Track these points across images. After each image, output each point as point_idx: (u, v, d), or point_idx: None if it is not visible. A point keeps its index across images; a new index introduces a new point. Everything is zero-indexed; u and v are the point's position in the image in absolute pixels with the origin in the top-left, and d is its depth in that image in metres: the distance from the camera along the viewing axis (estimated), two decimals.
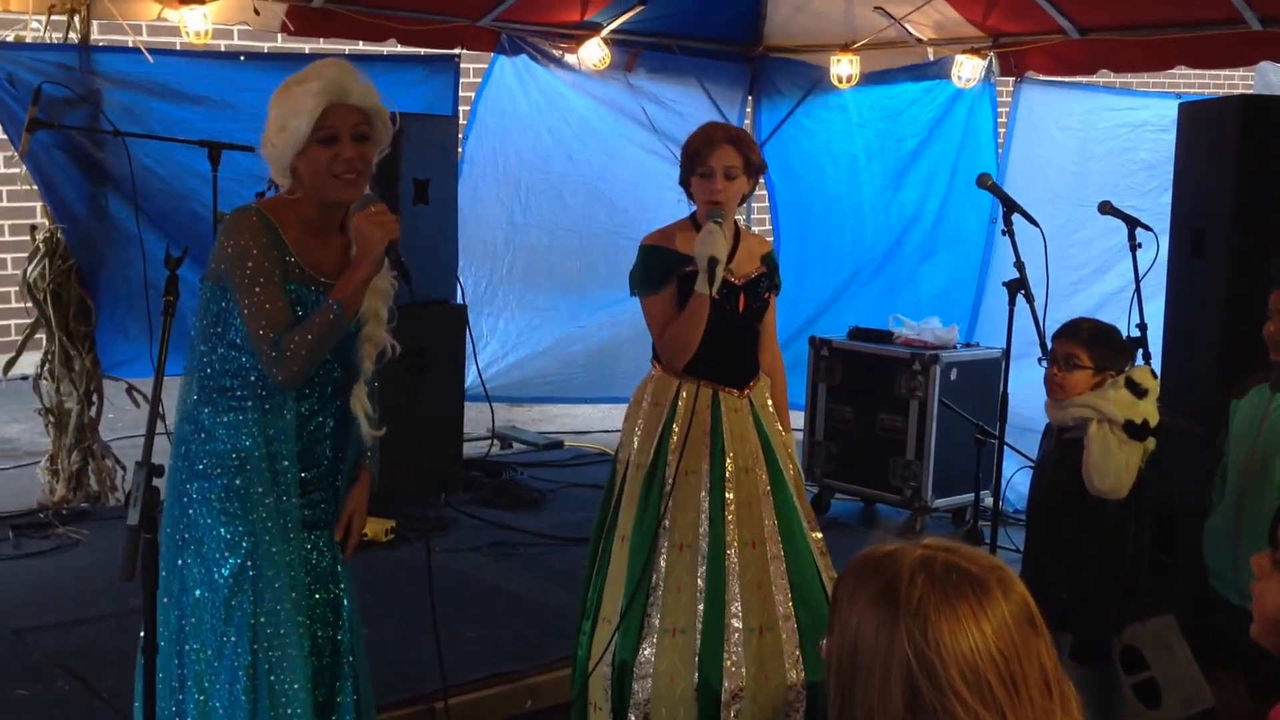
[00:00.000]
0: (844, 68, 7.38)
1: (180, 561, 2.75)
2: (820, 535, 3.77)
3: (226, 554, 2.72)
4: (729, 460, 3.62)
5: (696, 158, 3.58)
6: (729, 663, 3.52)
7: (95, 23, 6.02)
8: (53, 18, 5.89)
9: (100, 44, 6.15)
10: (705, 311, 3.54)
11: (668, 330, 3.60)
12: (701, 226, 3.57)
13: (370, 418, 2.85)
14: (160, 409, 2.69)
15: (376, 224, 2.70)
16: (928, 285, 7.39)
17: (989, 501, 5.40)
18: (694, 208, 3.68)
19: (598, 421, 8.25)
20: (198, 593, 2.72)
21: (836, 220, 7.88)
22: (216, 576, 2.72)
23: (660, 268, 3.61)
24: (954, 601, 1.34)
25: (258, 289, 2.68)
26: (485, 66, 7.33)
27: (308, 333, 2.67)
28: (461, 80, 7.12)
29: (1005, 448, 4.79)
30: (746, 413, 3.69)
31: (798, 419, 6.84)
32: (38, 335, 6.00)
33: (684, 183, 3.66)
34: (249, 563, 2.72)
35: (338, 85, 2.73)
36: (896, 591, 1.36)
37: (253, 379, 2.76)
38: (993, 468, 5.02)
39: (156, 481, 2.40)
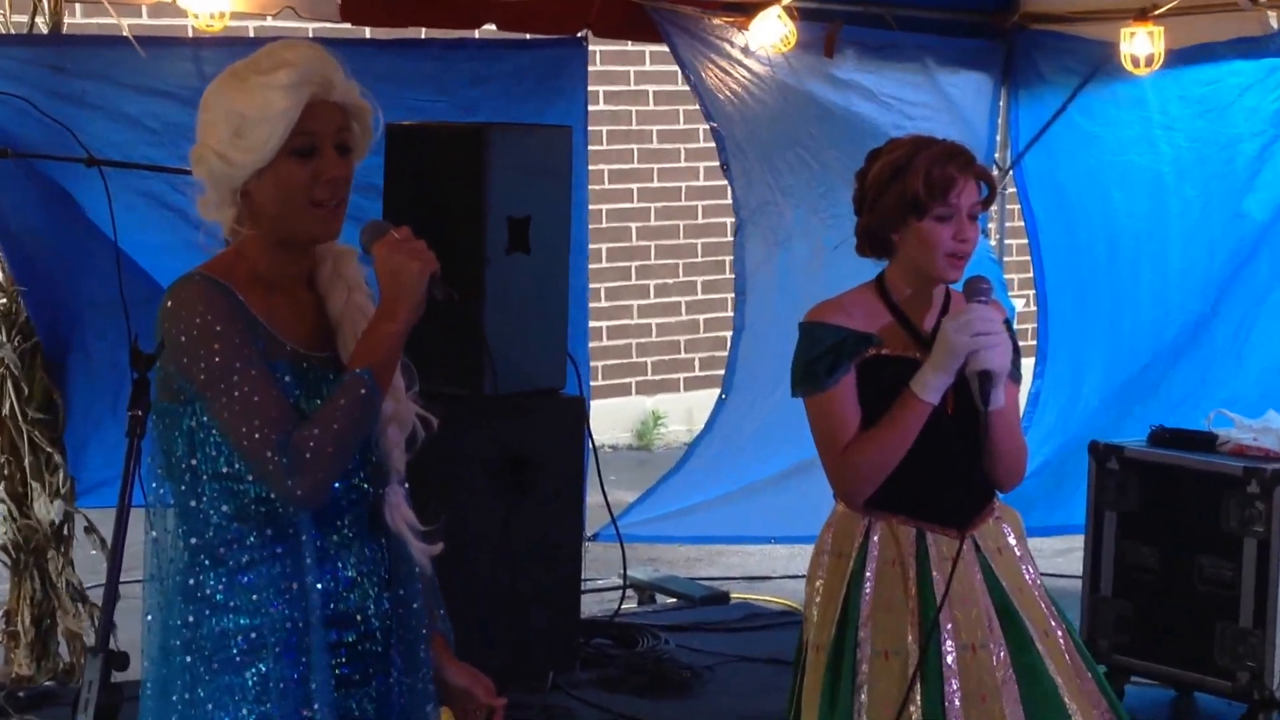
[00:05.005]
0: (1140, 44, 7.22)
1: None
2: None
3: None
4: (947, 635, 3.60)
5: (931, 193, 3.59)
6: None
7: (75, 5, 6.23)
8: None
9: (78, 33, 6.33)
10: (920, 425, 3.58)
11: (851, 447, 3.65)
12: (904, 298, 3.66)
13: (417, 529, 2.85)
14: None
15: (410, 253, 2.73)
16: (1267, 363, 7.23)
17: None
18: (881, 265, 3.74)
19: (782, 562, 8.17)
20: None
21: (1129, 268, 7.77)
22: None
23: (830, 352, 3.65)
24: None
25: (235, 377, 2.67)
26: (623, 48, 7.35)
27: (331, 420, 2.67)
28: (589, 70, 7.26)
29: None
30: (972, 562, 3.68)
31: (1074, 559, 6.73)
32: None
33: (884, 229, 3.69)
34: None
35: (319, 74, 2.73)
36: None
37: (263, 512, 2.76)
38: None
39: (118, 676, 2.46)
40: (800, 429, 7.19)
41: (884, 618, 3.61)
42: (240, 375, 2.67)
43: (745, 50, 7.31)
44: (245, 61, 2.77)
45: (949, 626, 3.60)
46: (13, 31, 6.11)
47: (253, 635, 2.73)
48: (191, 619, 2.74)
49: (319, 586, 2.75)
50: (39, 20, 6.10)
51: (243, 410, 2.67)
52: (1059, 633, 3.73)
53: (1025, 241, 8.22)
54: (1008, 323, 3.80)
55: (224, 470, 2.74)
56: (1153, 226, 7.67)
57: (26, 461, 6.08)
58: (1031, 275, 8.22)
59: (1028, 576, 3.76)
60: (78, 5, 6.26)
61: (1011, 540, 3.77)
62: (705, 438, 7.80)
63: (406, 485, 2.90)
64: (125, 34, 6.22)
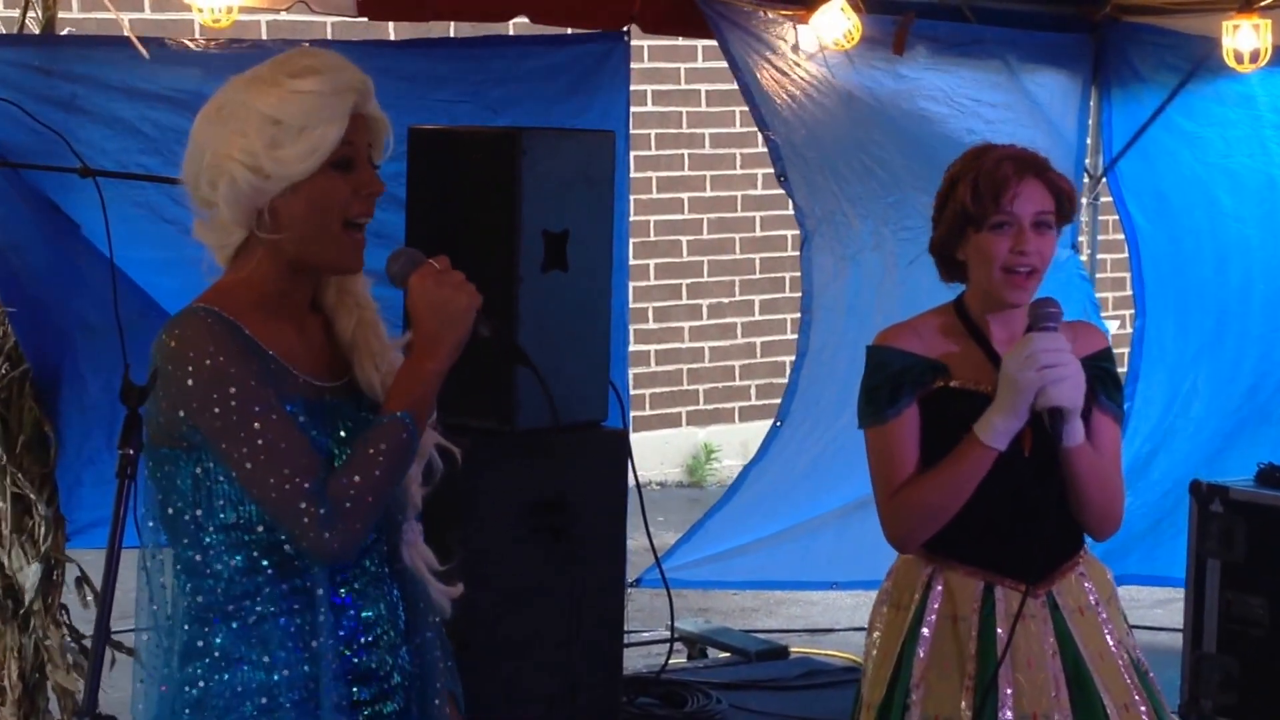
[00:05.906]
0: (1245, 38, 7.13)
1: None
2: None
3: None
4: (1006, 700, 3.61)
5: (978, 199, 3.57)
6: None
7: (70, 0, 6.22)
8: None
9: (74, 33, 6.31)
10: (982, 472, 3.58)
11: (905, 488, 3.66)
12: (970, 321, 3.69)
13: (436, 569, 2.94)
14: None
15: (455, 286, 2.78)
16: None
17: None
18: (959, 289, 3.73)
19: (847, 612, 8.18)
20: None
21: (1239, 281, 7.73)
22: None
23: (893, 379, 3.65)
24: None
25: (256, 424, 2.69)
26: (673, 43, 7.33)
27: (372, 468, 2.71)
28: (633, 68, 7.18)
29: None
30: (1044, 621, 3.69)
31: (1174, 611, 6.65)
32: None
33: (947, 247, 3.70)
34: None
35: (359, 81, 2.79)
36: None
37: (275, 562, 2.78)
38: None
39: None
40: (860, 478, 7.26)
41: (937, 679, 3.66)
42: (261, 421, 2.70)
43: (796, 48, 7.25)
44: (269, 65, 2.80)
45: (1008, 691, 3.64)
46: (2, 30, 6.09)
47: (262, 691, 2.77)
48: (201, 683, 2.78)
49: (338, 641, 2.80)
50: (30, 17, 6.06)
51: (269, 459, 2.70)
52: (1141, 709, 3.70)
53: (1120, 257, 8.17)
54: (1107, 350, 3.80)
55: (232, 521, 2.77)
56: (1265, 235, 7.63)
57: (10, 503, 6.02)
58: (1128, 294, 8.21)
59: (1111, 642, 3.72)
60: (73, 0, 6.25)
61: (1094, 599, 3.74)
62: (756, 466, 7.74)
63: (421, 524, 2.98)
64: (125, 32, 6.18)
